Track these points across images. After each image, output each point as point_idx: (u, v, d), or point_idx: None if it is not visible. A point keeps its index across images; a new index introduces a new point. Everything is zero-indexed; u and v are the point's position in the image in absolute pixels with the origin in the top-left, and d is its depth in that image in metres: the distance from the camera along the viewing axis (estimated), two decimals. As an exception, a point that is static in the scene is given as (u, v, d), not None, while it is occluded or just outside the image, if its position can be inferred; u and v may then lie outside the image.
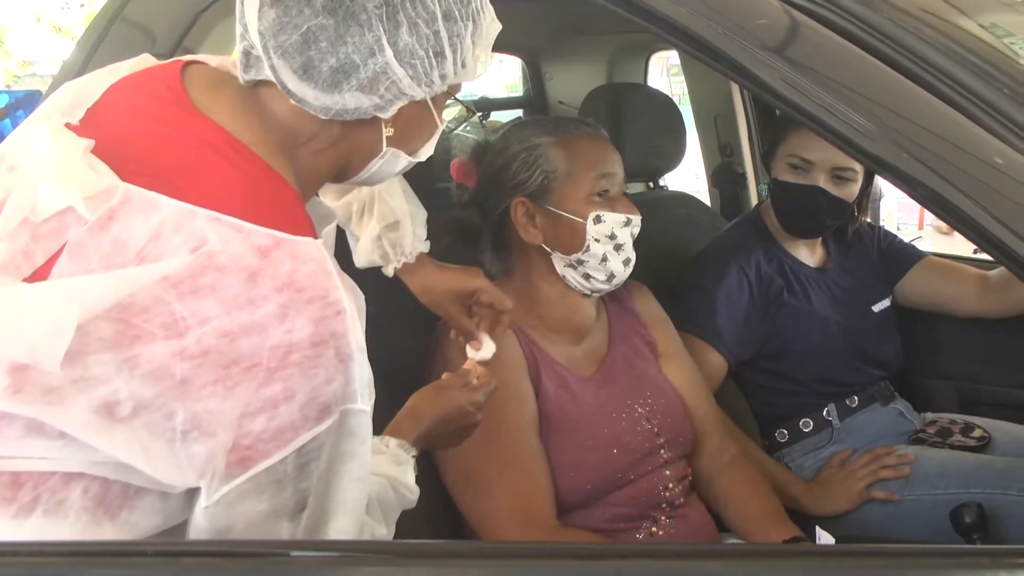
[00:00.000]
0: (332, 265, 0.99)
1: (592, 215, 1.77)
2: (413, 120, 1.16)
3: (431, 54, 1.09)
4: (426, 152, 1.24)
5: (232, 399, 0.90)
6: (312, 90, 1.06)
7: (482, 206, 1.88)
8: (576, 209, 1.78)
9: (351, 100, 1.07)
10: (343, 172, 1.19)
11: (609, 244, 1.77)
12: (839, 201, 2.28)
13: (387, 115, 1.10)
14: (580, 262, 1.79)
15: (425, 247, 1.65)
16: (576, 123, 1.87)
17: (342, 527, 1.03)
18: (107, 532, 0.95)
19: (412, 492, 1.31)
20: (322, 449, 0.96)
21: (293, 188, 1.06)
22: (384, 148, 1.16)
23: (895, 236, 2.63)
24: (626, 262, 1.81)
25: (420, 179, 2.09)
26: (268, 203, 0.99)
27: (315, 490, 0.99)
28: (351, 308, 0.98)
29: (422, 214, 1.66)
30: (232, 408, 0.90)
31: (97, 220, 0.94)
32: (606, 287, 1.82)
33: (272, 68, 1.05)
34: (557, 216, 1.78)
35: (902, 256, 2.55)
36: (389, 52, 1.05)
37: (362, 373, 0.99)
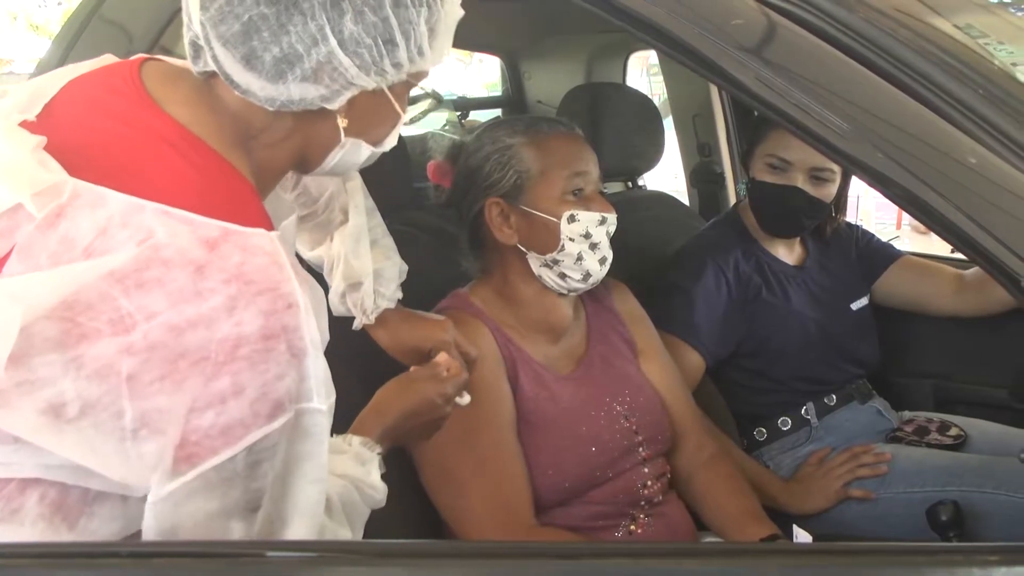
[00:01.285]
0: (286, 258, 0.97)
1: (566, 214, 1.76)
2: (370, 109, 1.14)
3: (380, 42, 1.06)
4: (390, 142, 1.22)
5: (180, 394, 0.88)
6: (257, 80, 1.04)
7: (458, 207, 1.88)
8: (550, 208, 1.77)
9: (296, 91, 1.05)
10: (304, 164, 1.18)
11: (584, 243, 1.77)
12: (817, 201, 2.29)
13: (335, 105, 1.08)
14: (555, 261, 1.79)
15: (391, 303, 1.62)
16: (550, 122, 1.86)
17: (298, 531, 1.01)
18: (65, 539, 0.93)
19: (378, 492, 1.28)
20: (275, 448, 0.94)
21: (248, 181, 1.05)
22: (342, 138, 1.14)
23: (873, 235, 2.64)
24: (602, 261, 1.80)
25: (398, 179, 2.10)
26: (220, 196, 0.98)
27: (271, 492, 0.97)
28: (304, 302, 0.96)
29: (393, 269, 1.63)
30: (181, 403, 0.89)
31: (45, 218, 0.92)
32: (582, 286, 1.82)
33: (215, 58, 1.04)
34: (531, 216, 1.78)
35: (880, 255, 2.56)
36: (333, 41, 1.03)
37: (317, 371, 0.97)
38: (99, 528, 0.95)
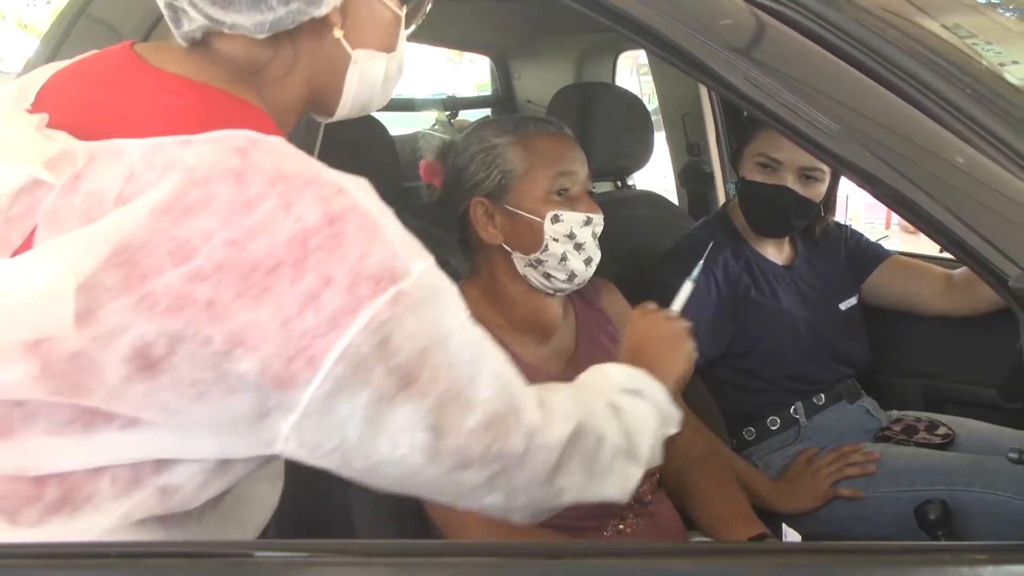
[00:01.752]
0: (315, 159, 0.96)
1: (550, 214, 1.76)
2: (364, 13, 1.12)
3: None
4: (401, 46, 1.19)
5: (266, 306, 0.86)
6: (239, 13, 1.02)
7: (446, 206, 1.88)
8: (534, 208, 1.77)
9: (279, 7, 1.03)
10: (324, 97, 1.15)
11: (568, 243, 1.76)
12: (806, 201, 2.29)
13: (322, 9, 1.05)
14: (539, 261, 1.79)
15: None
16: (537, 122, 1.86)
17: (484, 391, 0.97)
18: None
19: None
20: (400, 321, 0.89)
21: (262, 110, 1.03)
22: (349, 52, 1.12)
23: (862, 235, 2.65)
24: (587, 261, 1.80)
25: (386, 179, 2.10)
26: (235, 122, 0.95)
27: (427, 363, 0.92)
28: (350, 183, 0.93)
29: None
30: (270, 315, 0.86)
31: (64, 184, 0.90)
32: (568, 286, 1.82)
33: (193, 6, 1.02)
34: (515, 215, 1.78)
35: (869, 255, 2.56)
36: None
37: (402, 239, 0.93)
38: (188, 499, 0.94)
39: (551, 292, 1.83)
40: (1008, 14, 1.90)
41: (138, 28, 1.86)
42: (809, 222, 2.43)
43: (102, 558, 0.81)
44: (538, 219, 1.76)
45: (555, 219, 1.76)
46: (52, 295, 0.84)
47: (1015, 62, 1.45)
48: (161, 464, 0.93)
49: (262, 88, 1.07)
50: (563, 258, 1.77)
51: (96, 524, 0.91)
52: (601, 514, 1.81)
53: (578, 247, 1.77)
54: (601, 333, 1.98)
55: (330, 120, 1.20)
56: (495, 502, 1.04)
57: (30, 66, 2.04)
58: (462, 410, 0.95)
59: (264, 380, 0.87)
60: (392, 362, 0.89)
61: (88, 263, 0.85)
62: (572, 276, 1.79)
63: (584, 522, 1.79)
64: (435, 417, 0.93)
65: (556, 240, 1.76)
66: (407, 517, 1.74)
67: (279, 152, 0.92)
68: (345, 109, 1.18)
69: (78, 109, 0.98)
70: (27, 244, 0.91)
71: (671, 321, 1.59)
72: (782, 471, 2.27)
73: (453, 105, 3.89)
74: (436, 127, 4.03)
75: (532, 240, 1.78)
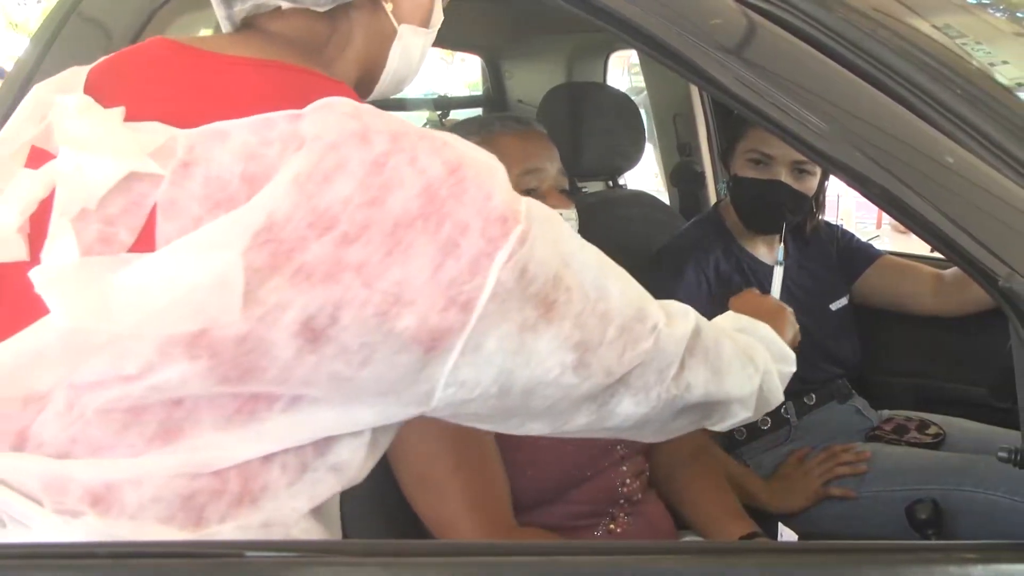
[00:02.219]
0: None
1: None
2: None
3: None
4: (437, 18, 1.20)
5: (413, 260, 0.87)
6: None
7: None
8: None
9: None
10: (371, 70, 1.15)
11: None
12: (800, 195, 2.30)
13: None
14: None
15: None
16: (503, 121, 1.85)
17: (616, 306, 1.03)
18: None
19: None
20: (528, 255, 0.91)
21: (337, 80, 1.03)
22: (396, 27, 1.12)
23: (853, 235, 2.65)
24: None
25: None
26: (322, 93, 0.94)
27: (558, 299, 0.95)
28: (447, 135, 0.95)
29: None
30: (419, 269, 0.87)
31: (173, 173, 0.88)
32: None
33: None
34: None
35: (860, 255, 2.57)
36: None
37: (506, 179, 0.96)
38: (356, 474, 0.97)
39: None
40: (998, 14, 1.90)
41: (129, 27, 1.86)
42: (802, 218, 2.43)
43: (90, 558, 0.81)
44: None
45: None
46: (222, 281, 0.84)
47: (1005, 62, 1.45)
48: (323, 444, 0.95)
49: (324, 66, 1.07)
50: None
51: (278, 512, 0.93)
52: (593, 513, 1.81)
53: None
54: None
55: (367, 99, 1.18)
56: (630, 409, 1.07)
57: (20, 65, 2.03)
58: (600, 323, 0.99)
59: (422, 333, 0.88)
60: (530, 290, 0.92)
61: (237, 247, 0.85)
62: None
63: (576, 521, 1.80)
64: (579, 334, 0.97)
65: None
66: (398, 517, 1.74)
67: (382, 115, 0.93)
68: (384, 85, 1.19)
69: (152, 101, 0.96)
70: (146, 239, 0.89)
71: (772, 300, 1.66)
72: (773, 471, 2.28)
73: (444, 105, 3.88)
74: (427, 127, 4.02)
75: None
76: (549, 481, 1.76)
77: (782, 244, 1.74)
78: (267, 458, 0.92)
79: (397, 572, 0.86)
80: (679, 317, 1.14)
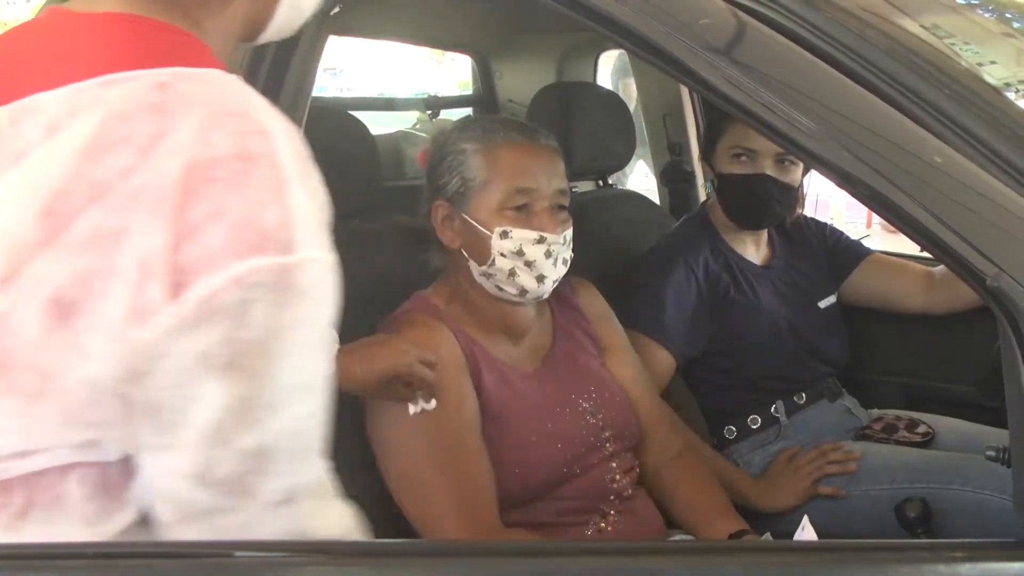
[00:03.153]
0: (254, 93, 0.90)
1: (499, 229, 1.74)
2: None
3: None
4: None
5: (168, 230, 0.80)
6: None
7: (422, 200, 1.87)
8: (485, 220, 1.75)
9: None
10: (254, 26, 1.08)
11: (517, 260, 1.74)
12: (786, 186, 2.30)
13: None
14: (488, 274, 1.77)
15: None
16: (508, 130, 1.82)
17: (294, 409, 0.88)
18: (117, 518, 0.87)
19: None
20: (263, 295, 0.82)
21: (196, 37, 0.97)
22: None
23: (842, 233, 2.66)
24: (540, 279, 1.76)
25: (367, 178, 2.09)
26: (165, 51, 0.91)
27: (243, 364, 0.83)
28: (280, 130, 0.87)
29: None
30: (168, 238, 0.80)
31: None
32: (520, 300, 1.80)
33: None
34: (469, 224, 1.77)
35: (849, 253, 2.57)
36: None
37: (305, 212, 0.85)
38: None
39: (511, 301, 1.83)
40: (987, 14, 1.91)
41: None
42: (788, 211, 2.43)
43: (77, 559, 0.80)
44: (487, 232, 1.75)
45: (503, 235, 1.74)
46: None
47: (993, 62, 1.45)
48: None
49: (204, 18, 1.00)
50: (511, 273, 1.75)
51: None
52: (584, 510, 1.82)
53: (529, 264, 1.75)
54: (577, 331, 1.98)
55: (249, 44, 1.13)
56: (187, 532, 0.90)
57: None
58: (247, 424, 0.85)
59: (161, 301, 0.80)
60: (236, 334, 0.82)
61: (13, 220, 0.82)
62: (523, 292, 1.78)
63: (567, 518, 1.80)
64: (224, 412, 0.84)
65: (504, 256, 1.74)
66: (386, 516, 1.74)
67: (211, 82, 0.89)
68: (267, 35, 1.12)
69: (27, 73, 0.92)
70: None
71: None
72: (763, 469, 2.28)
73: (434, 104, 3.87)
74: (417, 126, 4.02)
75: (482, 252, 1.76)
76: (538, 479, 1.77)
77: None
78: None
79: (383, 572, 0.86)
80: (335, 516, 0.96)
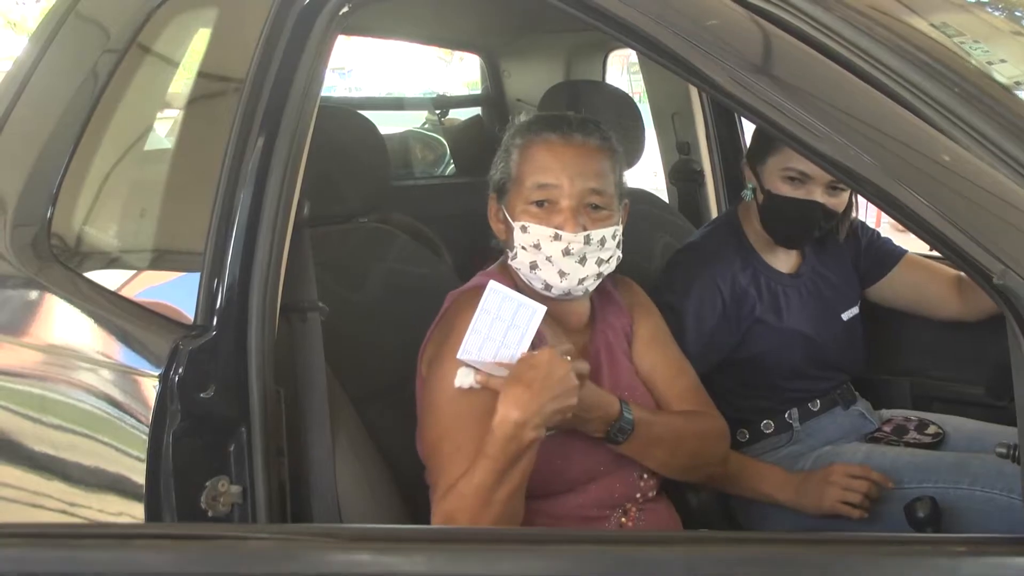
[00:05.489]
0: None
1: (520, 223, 1.77)
2: None
3: None
4: None
5: None
6: None
7: None
8: (514, 214, 1.79)
9: None
10: None
11: (537, 254, 1.75)
12: (831, 213, 2.25)
13: None
14: (515, 267, 1.81)
15: None
16: (546, 127, 1.83)
17: None
18: None
19: None
20: None
21: None
22: None
23: (876, 233, 2.59)
24: (561, 274, 1.76)
25: (376, 178, 2.10)
26: None
27: None
28: None
29: None
30: None
31: None
32: (547, 294, 1.79)
33: None
34: (505, 217, 1.81)
35: (884, 254, 2.51)
36: None
37: None
38: None
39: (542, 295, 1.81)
40: (996, 13, 1.91)
41: (126, 28, 1.86)
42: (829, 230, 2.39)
43: (100, 538, 0.81)
44: (513, 225, 1.79)
45: (523, 229, 1.76)
46: None
47: (1003, 61, 1.46)
48: None
49: None
50: (533, 267, 1.77)
51: None
52: (608, 505, 1.84)
53: (548, 259, 1.76)
54: (615, 328, 1.96)
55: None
56: None
57: (19, 65, 2.04)
58: None
59: None
60: None
61: None
62: (547, 286, 1.78)
63: (592, 511, 1.82)
64: None
65: (524, 249, 1.77)
66: (395, 504, 1.74)
67: None
68: None
69: None
70: None
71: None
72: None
73: (443, 104, 3.87)
74: (426, 126, 4.03)
75: (511, 244, 1.80)
76: (574, 471, 1.78)
77: None
78: None
79: (390, 557, 0.87)
80: None
